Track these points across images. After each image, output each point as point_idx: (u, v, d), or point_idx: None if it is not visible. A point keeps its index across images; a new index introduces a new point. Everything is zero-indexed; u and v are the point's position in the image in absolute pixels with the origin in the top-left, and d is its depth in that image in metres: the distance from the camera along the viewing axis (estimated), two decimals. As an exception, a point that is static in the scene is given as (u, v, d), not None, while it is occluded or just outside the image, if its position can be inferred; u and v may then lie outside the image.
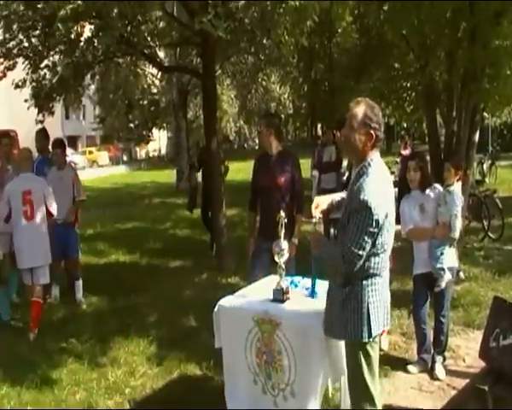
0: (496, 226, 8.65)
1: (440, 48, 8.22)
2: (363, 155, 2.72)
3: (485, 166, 16.15)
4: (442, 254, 4.15)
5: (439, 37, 7.95)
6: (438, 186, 4.35)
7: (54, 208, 5.50)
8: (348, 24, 17.83)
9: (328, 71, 22.34)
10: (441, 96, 9.30)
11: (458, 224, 4.15)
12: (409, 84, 12.10)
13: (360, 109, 2.69)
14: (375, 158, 2.72)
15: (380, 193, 2.65)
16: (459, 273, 4.51)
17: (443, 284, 4.14)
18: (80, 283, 6.35)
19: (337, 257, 2.69)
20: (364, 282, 2.70)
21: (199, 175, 9.27)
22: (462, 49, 7.28)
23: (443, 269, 4.13)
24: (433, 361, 4.28)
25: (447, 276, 4.13)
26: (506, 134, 29.63)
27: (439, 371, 4.22)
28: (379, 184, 2.67)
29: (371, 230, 2.60)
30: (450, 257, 4.21)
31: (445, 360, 4.37)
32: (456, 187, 4.38)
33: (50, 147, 6.48)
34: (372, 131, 2.67)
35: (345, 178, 9.12)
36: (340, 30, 19.47)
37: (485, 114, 13.17)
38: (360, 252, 2.60)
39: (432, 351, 4.34)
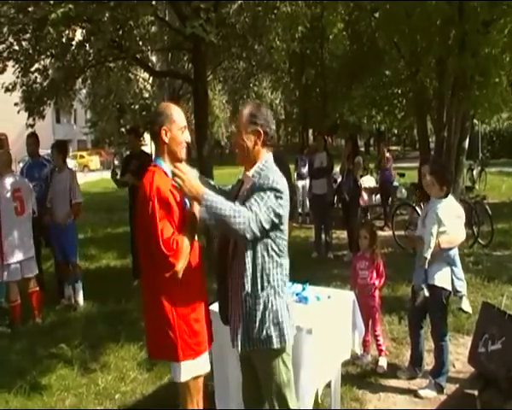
0: (485, 232, 8.71)
1: (431, 55, 8.32)
2: (256, 155, 2.61)
3: (474, 172, 16.22)
4: (421, 269, 3.93)
5: (430, 45, 8.05)
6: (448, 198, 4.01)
7: (35, 205, 5.83)
8: (339, 31, 17.88)
9: (319, 77, 22.44)
10: (432, 103, 9.41)
11: (431, 243, 3.82)
12: (400, 91, 12.21)
13: (246, 110, 2.61)
14: (269, 160, 2.61)
15: (285, 185, 2.53)
16: (462, 298, 4.09)
17: (417, 301, 3.98)
18: (80, 285, 6.34)
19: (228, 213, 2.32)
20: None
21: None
22: (452, 56, 7.36)
23: (419, 285, 3.95)
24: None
25: (423, 293, 3.92)
26: (495, 141, 29.90)
27: (424, 392, 4.00)
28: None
29: (277, 211, 2.45)
30: (439, 276, 3.91)
31: (420, 370, 4.27)
32: (443, 204, 3.91)
33: (49, 149, 6.44)
34: (259, 128, 2.57)
35: (338, 181, 9.21)
36: (331, 36, 19.55)
37: (474, 120, 13.31)
38: (266, 225, 2.41)
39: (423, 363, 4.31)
